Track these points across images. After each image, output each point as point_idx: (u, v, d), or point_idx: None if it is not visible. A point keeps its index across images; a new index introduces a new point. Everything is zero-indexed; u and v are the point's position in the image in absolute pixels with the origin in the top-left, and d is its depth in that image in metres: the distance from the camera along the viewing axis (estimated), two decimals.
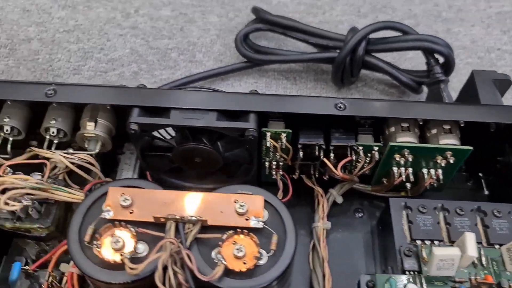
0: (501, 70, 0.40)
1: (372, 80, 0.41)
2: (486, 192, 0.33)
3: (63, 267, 0.28)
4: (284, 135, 0.28)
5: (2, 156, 0.29)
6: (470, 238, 0.24)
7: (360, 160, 0.29)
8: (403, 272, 0.26)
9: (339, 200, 0.32)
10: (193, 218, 0.24)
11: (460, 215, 0.28)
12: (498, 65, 0.42)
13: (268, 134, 0.28)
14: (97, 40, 0.43)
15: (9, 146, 0.29)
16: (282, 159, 0.30)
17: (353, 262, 0.30)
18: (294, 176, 0.31)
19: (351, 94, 0.39)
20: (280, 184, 0.30)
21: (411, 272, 0.26)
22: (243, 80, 0.41)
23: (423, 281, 0.25)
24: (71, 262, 0.27)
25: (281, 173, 0.31)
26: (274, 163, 0.30)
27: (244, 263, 0.23)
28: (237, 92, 0.29)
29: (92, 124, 0.28)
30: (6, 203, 0.25)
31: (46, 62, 0.41)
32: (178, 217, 0.24)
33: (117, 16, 0.45)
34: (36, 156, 0.29)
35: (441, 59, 0.36)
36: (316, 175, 0.31)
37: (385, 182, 0.31)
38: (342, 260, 0.30)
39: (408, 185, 0.31)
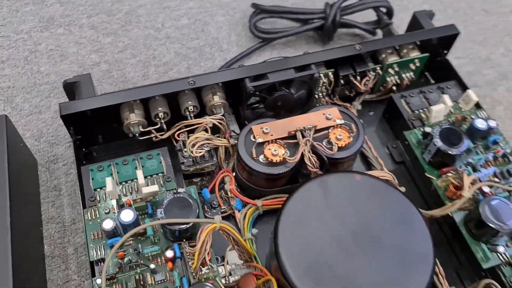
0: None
1: (341, 34, 0.61)
2: (433, 81, 0.55)
3: (226, 186, 0.44)
4: (331, 73, 0.47)
5: (160, 133, 0.44)
6: (447, 99, 0.46)
7: (370, 77, 0.49)
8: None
9: (359, 107, 0.52)
10: (309, 126, 0.42)
11: (431, 92, 0.49)
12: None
13: (322, 74, 0.47)
14: (147, 52, 0.57)
15: (164, 125, 0.44)
16: (325, 90, 0.49)
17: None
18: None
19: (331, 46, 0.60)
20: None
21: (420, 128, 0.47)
22: (263, 55, 0.58)
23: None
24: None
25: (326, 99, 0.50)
26: (321, 94, 0.49)
27: (344, 141, 0.42)
28: (297, 55, 0.47)
29: (217, 96, 0.45)
30: (197, 151, 0.41)
31: (121, 76, 0.55)
32: (301, 127, 0.42)
33: (151, 32, 0.59)
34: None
35: (384, 10, 0.58)
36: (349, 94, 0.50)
37: (382, 89, 0.52)
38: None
39: (394, 87, 0.52)
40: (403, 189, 0.43)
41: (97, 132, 0.45)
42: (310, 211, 0.36)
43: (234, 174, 0.44)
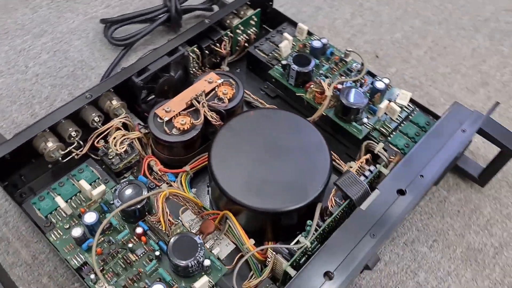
0: None
1: (186, 19, 0.70)
2: (271, 30, 0.68)
3: (154, 168, 0.51)
4: (195, 48, 0.56)
5: (79, 150, 0.49)
6: (287, 35, 0.58)
7: (226, 41, 0.60)
8: None
9: (227, 69, 0.62)
10: (199, 92, 0.51)
11: (274, 36, 0.62)
12: None
13: (190, 51, 0.56)
14: (24, 95, 0.60)
15: (80, 142, 0.49)
16: (197, 64, 0.58)
17: None
18: None
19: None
20: None
21: (279, 64, 0.59)
22: (130, 59, 0.65)
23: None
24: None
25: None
26: (194, 69, 0.58)
27: (230, 93, 0.52)
28: (163, 44, 0.55)
29: (114, 100, 0.51)
30: (121, 148, 0.48)
31: (11, 124, 0.57)
32: (194, 96, 0.51)
33: (18, 76, 0.62)
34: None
35: None
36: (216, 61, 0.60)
37: (237, 48, 0.63)
38: None
39: (246, 44, 0.63)
40: None
41: (22, 172, 0.49)
42: (233, 139, 0.47)
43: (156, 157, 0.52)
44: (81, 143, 0.50)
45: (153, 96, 0.55)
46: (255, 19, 0.61)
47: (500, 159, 0.51)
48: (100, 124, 0.50)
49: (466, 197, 0.54)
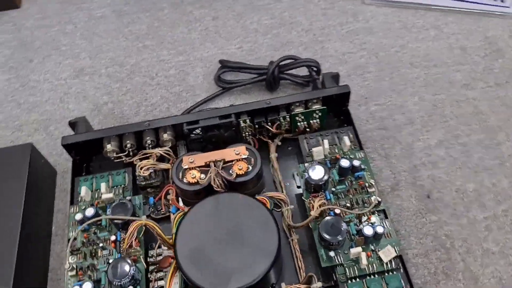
0: (349, 65, 0.79)
1: (286, 83, 0.79)
2: (345, 125, 0.71)
3: (169, 196, 0.65)
4: (248, 120, 0.66)
5: (128, 158, 0.66)
6: (325, 142, 0.62)
7: (281, 122, 0.67)
8: None
9: (279, 143, 0.69)
10: (219, 159, 0.61)
11: (327, 136, 0.66)
12: (348, 62, 0.81)
13: (242, 121, 0.66)
14: (141, 96, 0.79)
15: (131, 152, 0.66)
16: (249, 131, 0.67)
17: None
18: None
19: (277, 95, 0.77)
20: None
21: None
22: (223, 99, 0.78)
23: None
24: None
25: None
26: (247, 133, 0.68)
27: (243, 170, 0.61)
28: (224, 107, 0.66)
29: (166, 134, 0.65)
30: (144, 172, 0.62)
31: (119, 113, 0.78)
32: (213, 160, 0.61)
33: (147, 80, 0.82)
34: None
35: (315, 69, 0.75)
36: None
37: (297, 130, 0.69)
38: None
39: (308, 130, 0.69)
40: (291, 206, 0.60)
41: (91, 155, 0.68)
42: (200, 219, 0.55)
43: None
44: (131, 154, 0.66)
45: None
46: (320, 114, 0.66)
47: None
48: (150, 147, 0.66)
49: None
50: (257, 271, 0.51)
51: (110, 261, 0.55)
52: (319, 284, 0.52)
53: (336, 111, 0.69)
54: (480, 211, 0.63)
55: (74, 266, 0.57)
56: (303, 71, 0.76)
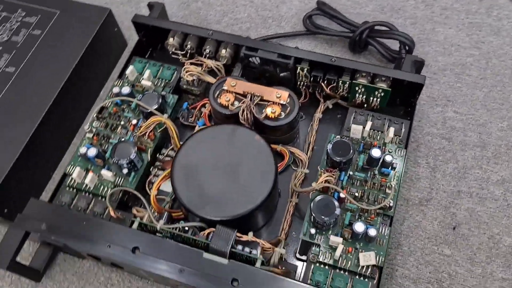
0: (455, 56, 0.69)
1: (372, 52, 0.72)
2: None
3: (203, 109, 0.65)
4: (306, 69, 0.62)
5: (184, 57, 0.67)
6: (368, 125, 0.57)
7: (339, 86, 0.62)
8: None
9: (330, 106, 0.65)
10: (258, 94, 0.59)
11: (378, 119, 0.60)
12: (454, 54, 0.71)
13: (299, 68, 0.62)
14: (231, 6, 0.78)
15: (188, 53, 0.67)
16: (305, 81, 0.64)
17: None
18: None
19: (358, 58, 0.71)
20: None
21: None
22: (303, 41, 0.74)
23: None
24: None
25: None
26: (302, 83, 0.64)
27: (274, 114, 0.58)
28: (291, 47, 0.62)
29: (225, 50, 0.64)
30: (187, 76, 0.63)
31: (204, 15, 0.78)
32: (252, 92, 0.60)
33: None
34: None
35: (407, 47, 0.67)
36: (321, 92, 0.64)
37: (353, 100, 0.63)
38: None
39: (365, 105, 0.63)
40: (307, 171, 0.58)
41: (157, 42, 0.70)
42: (207, 141, 0.55)
43: None
44: (187, 55, 0.66)
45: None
46: (382, 94, 0.60)
47: None
48: (207, 56, 0.65)
49: None
50: (238, 210, 0.49)
51: (123, 139, 0.59)
52: (283, 250, 0.51)
53: (405, 100, 0.62)
54: (502, 269, 0.55)
55: (94, 130, 0.61)
56: (395, 45, 0.69)
